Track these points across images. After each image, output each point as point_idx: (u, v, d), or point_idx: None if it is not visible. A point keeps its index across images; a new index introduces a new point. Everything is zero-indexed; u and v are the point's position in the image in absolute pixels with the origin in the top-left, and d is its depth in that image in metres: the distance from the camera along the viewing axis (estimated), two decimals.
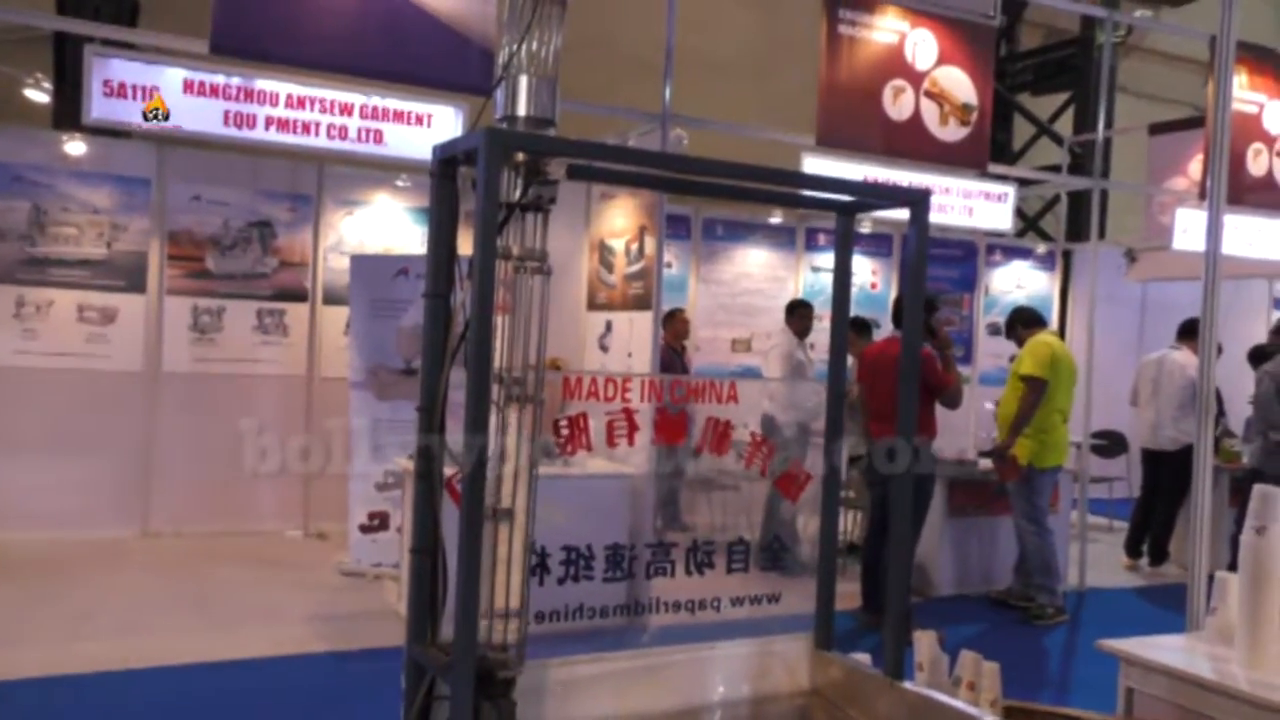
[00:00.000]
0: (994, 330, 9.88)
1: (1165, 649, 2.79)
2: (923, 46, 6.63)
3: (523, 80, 2.33)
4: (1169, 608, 5.88)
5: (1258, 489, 2.60)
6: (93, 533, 6.94)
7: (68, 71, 7.55)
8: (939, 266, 9.99)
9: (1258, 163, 8.06)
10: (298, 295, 7.71)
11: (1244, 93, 7.81)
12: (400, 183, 7.91)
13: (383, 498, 6.41)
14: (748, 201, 6.92)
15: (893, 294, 9.81)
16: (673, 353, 7.79)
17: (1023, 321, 6.66)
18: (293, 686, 4.64)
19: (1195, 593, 3.82)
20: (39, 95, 7.85)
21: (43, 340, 7.01)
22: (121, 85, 5.15)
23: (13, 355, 6.93)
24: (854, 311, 6.82)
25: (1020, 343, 6.57)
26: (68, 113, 7.30)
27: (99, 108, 5.14)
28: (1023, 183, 8.86)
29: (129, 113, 5.20)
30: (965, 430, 9.15)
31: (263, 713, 4.36)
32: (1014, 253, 10.54)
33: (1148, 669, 2.72)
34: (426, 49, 5.43)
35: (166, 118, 5.19)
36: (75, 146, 7.00)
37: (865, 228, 9.60)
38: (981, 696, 2.87)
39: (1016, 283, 10.46)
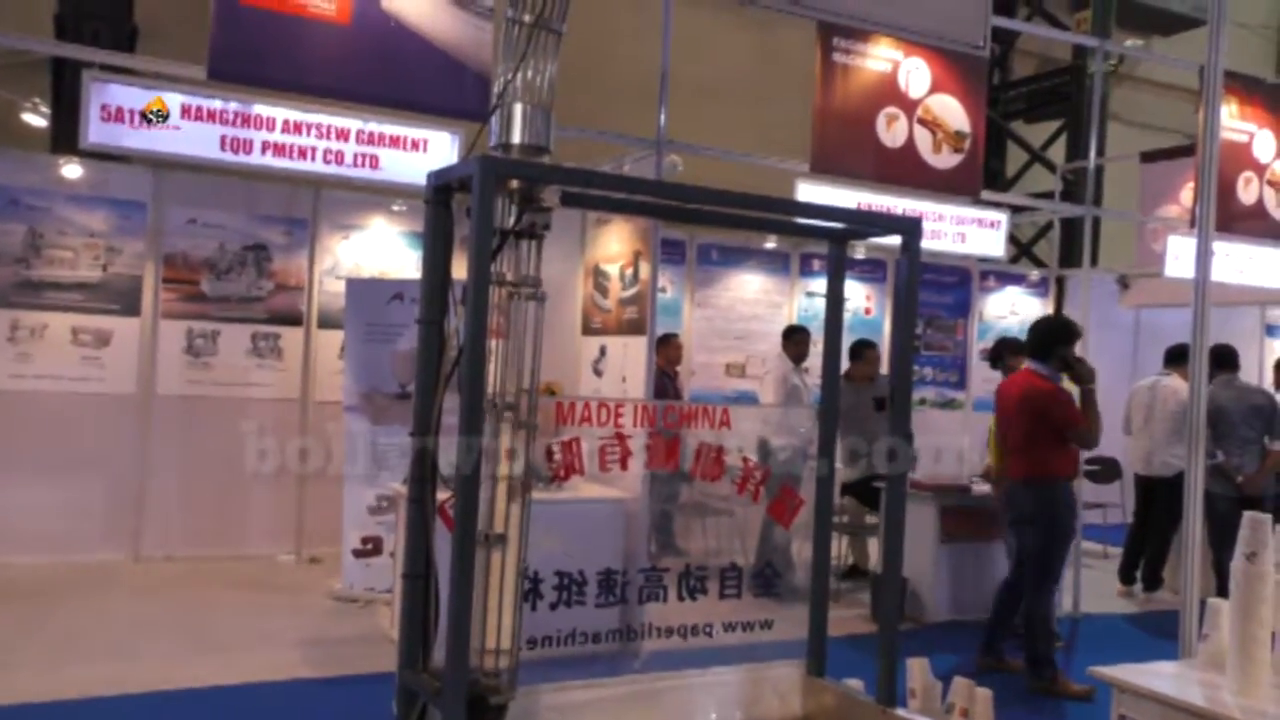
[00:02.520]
0: (986, 358, 9.91)
1: (1157, 676, 2.79)
2: (916, 75, 6.69)
3: (517, 108, 2.35)
4: (1163, 634, 5.86)
5: (1248, 516, 2.62)
6: (84, 556, 6.90)
7: (65, 96, 7.58)
8: (932, 292, 10.02)
9: (1248, 191, 8.12)
10: (293, 319, 7.72)
11: (1234, 122, 7.89)
12: (396, 207, 7.93)
13: (376, 522, 6.40)
14: (741, 229, 6.95)
15: (888, 319, 9.84)
16: (665, 377, 7.80)
17: (1010, 350, 6.77)
18: (283, 712, 4.61)
19: (1188, 619, 3.82)
20: (36, 119, 7.89)
21: (37, 363, 7.00)
22: (119, 110, 5.18)
23: (6, 379, 6.91)
24: (848, 337, 6.82)
25: (1007, 371, 6.64)
26: (65, 137, 7.33)
27: (96, 132, 5.16)
28: (1016, 209, 8.91)
29: (126, 137, 5.23)
30: (958, 456, 9.16)
31: None
32: (1007, 279, 10.59)
33: (1140, 696, 2.72)
34: (422, 75, 5.47)
35: (166, 118, 5.22)
36: (72, 170, 7.02)
37: (859, 253, 9.65)
38: None
39: (1010, 309, 10.50)
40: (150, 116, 5.17)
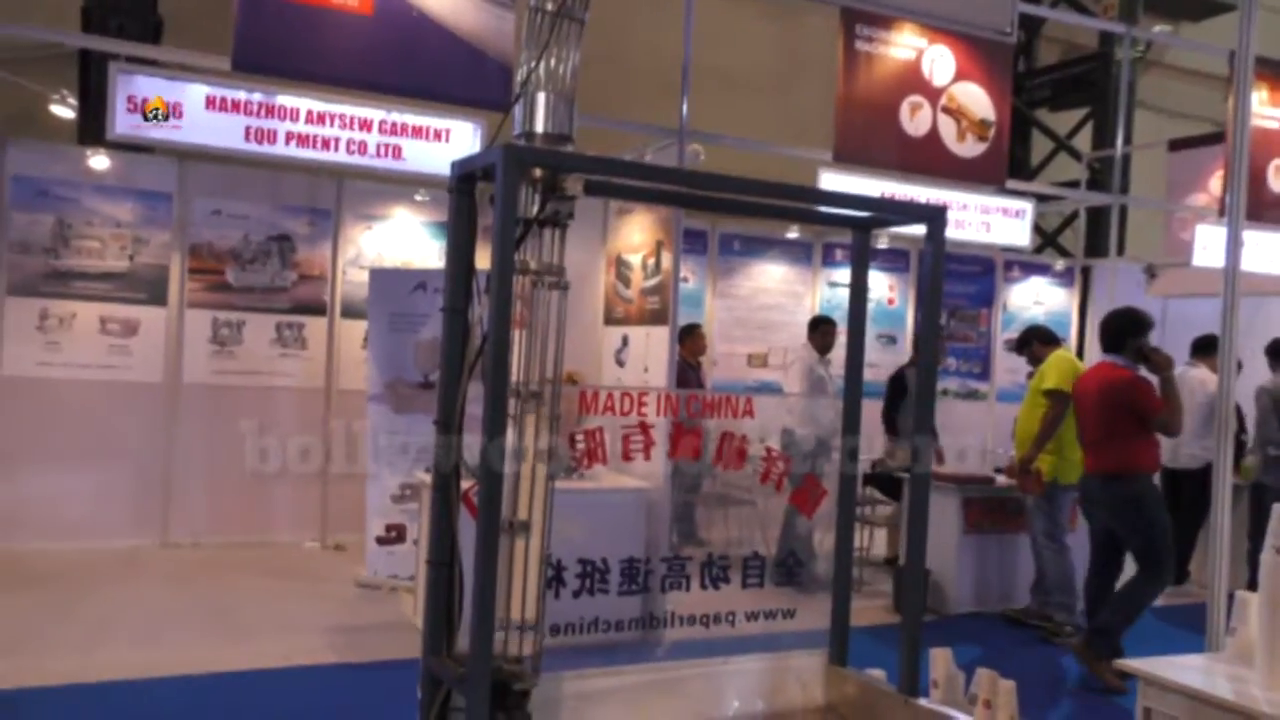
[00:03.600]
0: (1012, 346, 9.83)
1: (1184, 669, 2.77)
2: (940, 62, 6.64)
3: (541, 97, 2.35)
4: (1189, 627, 5.82)
5: (1277, 508, 2.59)
6: (112, 542, 6.99)
7: (92, 88, 7.64)
8: (956, 282, 9.96)
9: (1279, 179, 8.02)
10: (317, 309, 7.77)
11: (1264, 108, 7.80)
12: (419, 197, 7.96)
13: (400, 510, 6.44)
14: (764, 217, 6.95)
15: (910, 310, 9.79)
16: (688, 367, 7.80)
17: (1039, 339, 6.68)
18: (308, 698, 4.65)
19: (1215, 612, 3.80)
20: (64, 111, 7.94)
21: (65, 352, 7.08)
22: (145, 101, 5.22)
23: (36, 367, 7.00)
24: (870, 327, 6.78)
25: (1034, 360, 6.57)
26: (92, 128, 7.39)
27: (123, 123, 5.21)
28: (1041, 198, 8.84)
29: (152, 128, 5.28)
30: (981, 447, 9.11)
31: None
32: (1032, 269, 10.50)
33: (1166, 689, 2.70)
34: (445, 65, 5.49)
35: (166, 117, 5.26)
36: (99, 161, 7.09)
37: (882, 243, 9.59)
38: (998, 715, 2.85)
39: (1035, 299, 10.41)
40: (150, 116, 5.22)
